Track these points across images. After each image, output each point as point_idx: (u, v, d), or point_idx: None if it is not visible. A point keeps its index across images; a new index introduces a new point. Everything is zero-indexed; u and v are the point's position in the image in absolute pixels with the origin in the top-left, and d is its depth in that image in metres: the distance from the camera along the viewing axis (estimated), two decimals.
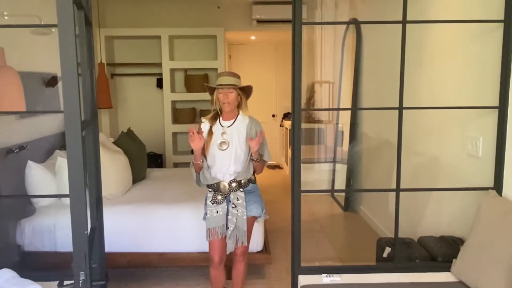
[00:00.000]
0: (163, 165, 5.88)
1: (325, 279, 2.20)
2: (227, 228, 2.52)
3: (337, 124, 5.56)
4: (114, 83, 5.95)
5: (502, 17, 2.18)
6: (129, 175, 3.72)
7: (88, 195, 1.69)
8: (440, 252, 2.44)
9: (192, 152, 2.58)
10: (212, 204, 2.52)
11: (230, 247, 2.55)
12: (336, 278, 2.20)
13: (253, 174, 2.61)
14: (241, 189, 2.52)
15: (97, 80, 5.06)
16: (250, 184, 2.57)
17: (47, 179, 3.19)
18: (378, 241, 2.80)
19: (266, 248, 3.27)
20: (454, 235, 2.59)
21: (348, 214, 4.92)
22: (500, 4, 2.18)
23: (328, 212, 5.06)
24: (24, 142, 3.16)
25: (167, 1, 5.77)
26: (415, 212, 3.18)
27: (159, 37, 5.67)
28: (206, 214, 2.58)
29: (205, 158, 2.53)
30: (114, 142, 3.96)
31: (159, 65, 5.74)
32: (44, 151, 3.54)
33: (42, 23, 2.88)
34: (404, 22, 2.20)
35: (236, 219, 2.50)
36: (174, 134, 5.97)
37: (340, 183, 5.20)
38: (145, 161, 4.26)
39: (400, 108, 2.27)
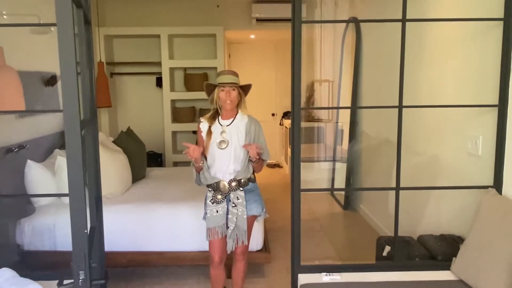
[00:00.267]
0: (163, 164, 5.89)
1: (325, 277, 2.20)
2: (227, 227, 2.52)
3: (337, 122, 5.56)
4: (113, 82, 5.95)
5: (501, 16, 2.18)
6: (129, 174, 3.72)
7: (87, 194, 1.69)
8: (440, 250, 2.44)
9: None
10: (212, 203, 2.52)
11: (230, 247, 2.55)
12: (336, 277, 2.20)
13: (253, 173, 2.61)
14: (241, 188, 2.52)
15: (96, 79, 5.06)
16: (250, 183, 2.57)
17: (47, 178, 3.19)
18: (378, 240, 2.80)
19: (266, 247, 3.27)
20: (453, 233, 2.59)
21: (348, 212, 4.92)
22: (500, 2, 2.18)
23: (328, 211, 5.06)
24: (23, 141, 3.16)
25: (166, 0, 5.76)
26: (415, 210, 3.18)
27: (158, 36, 5.67)
28: (206, 213, 2.58)
29: (205, 159, 2.53)
30: (113, 141, 3.95)
31: (159, 64, 5.74)
32: (43, 150, 3.54)
33: (42, 22, 2.87)
34: (403, 20, 2.20)
35: (236, 218, 2.50)
36: (174, 133, 5.97)
37: (340, 182, 5.20)
38: (145, 160, 4.26)
39: (400, 107, 2.27)
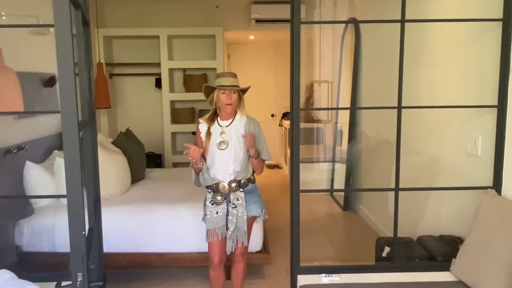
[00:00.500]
0: (162, 165, 5.88)
1: (324, 279, 2.20)
2: (227, 228, 2.52)
3: (336, 123, 5.55)
4: (112, 83, 5.94)
5: (501, 16, 2.18)
6: (128, 175, 3.71)
7: (85, 195, 1.68)
8: (440, 251, 2.43)
9: None
10: (212, 204, 2.52)
11: (229, 248, 2.54)
12: (335, 278, 2.20)
13: (253, 174, 2.61)
14: (241, 189, 2.52)
15: (95, 80, 5.05)
16: (250, 184, 2.56)
17: (46, 180, 3.18)
18: (377, 241, 2.79)
19: (265, 248, 3.26)
20: (453, 234, 2.59)
21: (347, 213, 4.91)
22: (499, 2, 2.18)
23: (327, 212, 5.06)
24: (22, 142, 3.15)
25: (165, 1, 5.76)
26: (414, 211, 3.18)
27: (157, 37, 5.66)
28: (205, 215, 2.57)
29: (205, 160, 2.52)
30: (113, 142, 3.95)
31: (158, 65, 5.74)
32: (42, 151, 3.53)
33: (40, 23, 2.87)
34: (402, 21, 2.20)
35: (236, 219, 2.49)
36: (173, 134, 5.97)
37: (339, 183, 5.20)
38: (144, 161, 4.25)
39: (399, 108, 2.27)
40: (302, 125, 2.27)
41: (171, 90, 5.88)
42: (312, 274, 2.26)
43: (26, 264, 2.99)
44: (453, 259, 2.20)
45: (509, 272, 1.86)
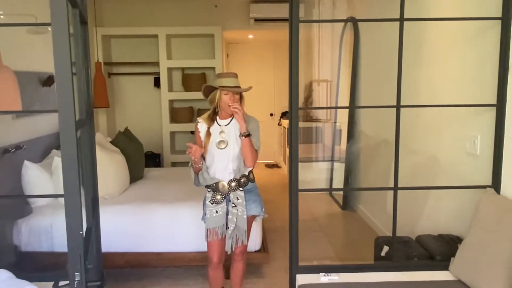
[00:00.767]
0: (161, 164, 5.87)
1: (323, 278, 2.19)
2: (227, 228, 2.51)
3: (335, 122, 5.55)
4: (111, 82, 5.93)
5: (499, 15, 2.17)
6: (127, 174, 3.71)
7: (83, 195, 1.67)
8: (438, 250, 2.43)
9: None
10: (212, 204, 2.51)
11: (229, 247, 2.54)
12: (334, 277, 2.19)
13: (251, 172, 2.60)
14: (241, 188, 2.51)
15: (94, 80, 5.04)
16: (249, 183, 2.56)
17: (44, 179, 3.18)
18: (376, 240, 2.79)
19: (264, 248, 3.26)
20: (452, 233, 2.59)
21: (346, 213, 4.91)
22: (498, 1, 2.18)
23: (326, 211, 5.06)
24: (20, 141, 3.14)
25: (164, 0, 5.75)
26: (413, 210, 3.17)
27: (156, 36, 5.65)
28: (205, 214, 2.56)
29: (204, 160, 2.52)
30: (111, 142, 3.94)
31: (157, 64, 5.73)
32: (40, 151, 3.52)
33: (38, 22, 2.86)
34: (401, 20, 2.19)
35: (236, 218, 2.49)
36: (172, 133, 5.96)
37: (338, 182, 5.20)
38: (143, 160, 4.25)
39: (398, 106, 2.27)
40: (301, 124, 2.27)
41: (170, 89, 5.87)
42: (311, 273, 2.25)
43: (24, 263, 2.98)
44: (452, 258, 2.20)
45: (507, 271, 1.86)
